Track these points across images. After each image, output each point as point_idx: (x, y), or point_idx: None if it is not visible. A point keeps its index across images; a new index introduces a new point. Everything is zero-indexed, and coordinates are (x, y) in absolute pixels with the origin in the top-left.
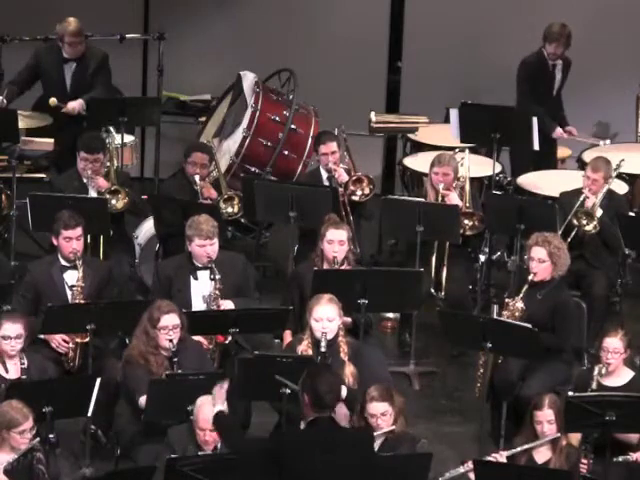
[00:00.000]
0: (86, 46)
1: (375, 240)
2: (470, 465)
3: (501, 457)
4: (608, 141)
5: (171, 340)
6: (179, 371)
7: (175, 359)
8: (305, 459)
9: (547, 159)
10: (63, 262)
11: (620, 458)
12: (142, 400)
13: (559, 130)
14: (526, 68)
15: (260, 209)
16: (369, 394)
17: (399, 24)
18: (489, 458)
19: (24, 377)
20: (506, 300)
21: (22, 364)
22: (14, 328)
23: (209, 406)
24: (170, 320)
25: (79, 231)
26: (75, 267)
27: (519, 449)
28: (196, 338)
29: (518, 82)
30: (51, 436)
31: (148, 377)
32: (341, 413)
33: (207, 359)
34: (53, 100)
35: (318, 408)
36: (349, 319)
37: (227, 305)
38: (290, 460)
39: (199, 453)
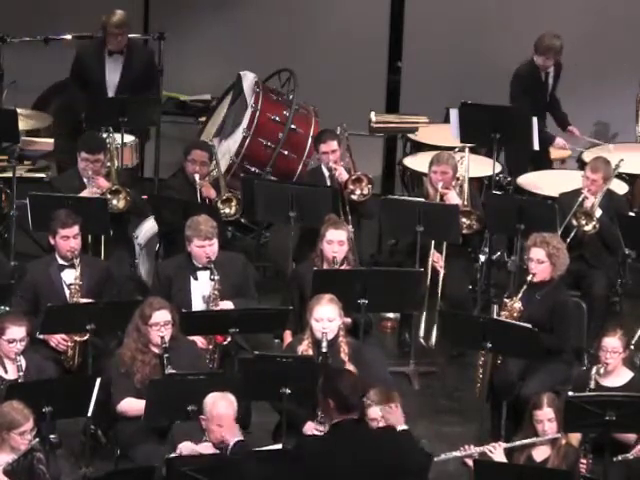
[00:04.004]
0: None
1: (375, 240)
2: (467, 450)
3: (499, 447)
4: (611, 146)
5: (162, 337)
6: (169, 366)
7: (166, 355)
8: (331, 462)
9: (542, 160)
10: (61, 261)
11: (620, 457)
12: (120, 406)
13: (559, 141)
14: (520, 81)
15: (260, 209)
16: (369, 399)
17: (399, 24)
18: (487, 447)
19: (21, 374)
20: (504, 300)
21: (18, 362)
22: (19, 331)
23: (223, 402)
24: (161, 316)
25: (76, 229)
26: (73, 266)
27: (518, 443)
28: (195, 338)
29: (512, 94)
30: (53, 436)
31: (128, 384)
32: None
33: (202, 359)
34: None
35: (345, 410)
36: (349, 319)
37: (226, 306)
38: (315, 464)
39: (201, 452)
